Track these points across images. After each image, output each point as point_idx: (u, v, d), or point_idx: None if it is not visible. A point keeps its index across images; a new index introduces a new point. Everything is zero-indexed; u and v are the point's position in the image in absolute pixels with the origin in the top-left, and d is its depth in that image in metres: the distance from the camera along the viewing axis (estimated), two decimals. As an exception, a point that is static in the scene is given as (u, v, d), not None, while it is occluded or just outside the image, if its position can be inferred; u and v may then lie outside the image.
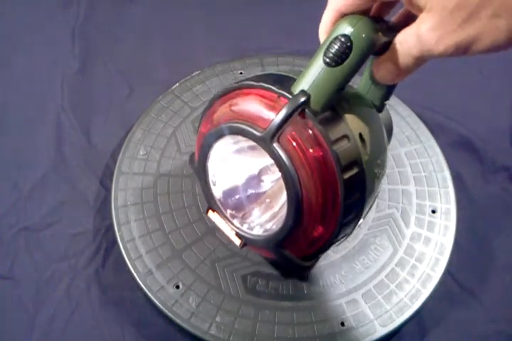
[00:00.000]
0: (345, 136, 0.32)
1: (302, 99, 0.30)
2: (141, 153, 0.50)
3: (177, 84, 0.55)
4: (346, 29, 0.29)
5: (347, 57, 0.30)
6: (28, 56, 0.61)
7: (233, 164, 0.40)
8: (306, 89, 0.31)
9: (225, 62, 0.57)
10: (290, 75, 0.34)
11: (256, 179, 0.41)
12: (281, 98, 0.32)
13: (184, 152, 0.50)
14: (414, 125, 0.53)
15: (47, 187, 0.52)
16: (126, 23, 0.65)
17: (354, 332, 0.41)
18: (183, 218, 0.46)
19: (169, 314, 0.42)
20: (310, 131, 0.31)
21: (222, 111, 0.36)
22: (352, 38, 0.29)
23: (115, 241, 0.46)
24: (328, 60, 0.30)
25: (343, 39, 0.29)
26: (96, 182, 0.52)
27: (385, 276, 0.44)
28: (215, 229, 0.45)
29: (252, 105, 0.34)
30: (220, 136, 0.35)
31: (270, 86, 0.32)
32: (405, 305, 0.43)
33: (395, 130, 0.53)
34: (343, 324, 0.42)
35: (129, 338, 0.44)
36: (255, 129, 0.32)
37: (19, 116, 0.57)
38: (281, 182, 0.33)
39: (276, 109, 0.32)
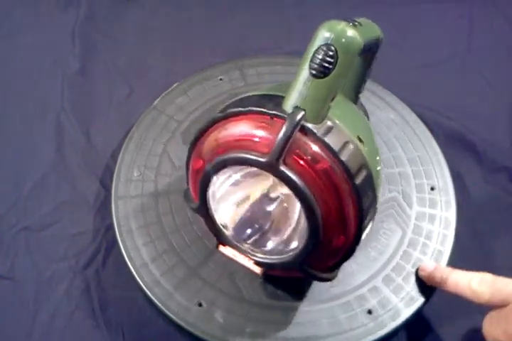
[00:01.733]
0: (347, 143, 0.31)
1: (299, 116, 0.29)
2: (136, 174, 0.49)
3: (158, 99, 0.53)
4: (326, 37, 0.28)
5: (334, 66, 0.29)
6: (28, 56, 0.61)
7: (236, 196, 0.38)
8: (298, 104, 0.30)
9: (202, 71, 0.56)
10: (272, 93, 0.33)
11: (263, 204, 0.39)
12: (275, 119, 0.31)
13: (179, 166, 0.49)
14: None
15: (47, 187, 0.52)
16: (126, 23, 0.65)
17: (381, 319, 0.42)
18: (191, 234, 0.46)
19: (199, 334, 0.41)
20: (313, 146, 0.31)
21: (212, 143, 0.34)
22: (335, 45, 0.28)
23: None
24: (314, 72, 0.29)
25: (325, 48, 0.28)
26: (96, 182, 0.52)
27: (400, 258, 0.45)
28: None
29: (246, 131, 0.32)
30: (218, 169, 0.33)
31: (260, 108, 0.31)
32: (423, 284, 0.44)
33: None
34: (370, 312, 0.42)
35: (129, 338, 0.44)
36: (257, 156, 0.31)
37: (19, 116, 0.57)
38: (291, 200, 0.33)
39: (273, 131, 0.30)
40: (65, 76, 0.60)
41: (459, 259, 0.47)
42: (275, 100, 0.31)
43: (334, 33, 0.28)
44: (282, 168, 0.30)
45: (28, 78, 0.60)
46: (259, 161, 0.31)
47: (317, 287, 0.44)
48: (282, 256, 0.36)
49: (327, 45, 0.28)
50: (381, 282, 0.44)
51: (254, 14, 0.67)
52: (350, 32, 0.28)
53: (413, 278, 0.44)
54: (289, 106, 0.30)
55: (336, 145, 0.31)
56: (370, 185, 0.33)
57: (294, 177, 0.30)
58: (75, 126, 0.56)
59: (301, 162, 0.31)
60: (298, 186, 0.30)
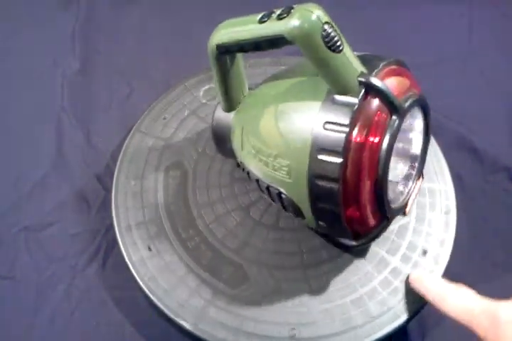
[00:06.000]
0: None
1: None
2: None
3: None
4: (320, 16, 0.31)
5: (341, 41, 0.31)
6: (28, 56, 0.61)
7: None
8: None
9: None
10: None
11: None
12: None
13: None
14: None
15: (47, 187, 0.52)
16: (126, 23, 0.65)
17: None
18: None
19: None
20: None
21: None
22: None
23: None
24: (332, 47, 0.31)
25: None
26: (96, 182, 0.52)
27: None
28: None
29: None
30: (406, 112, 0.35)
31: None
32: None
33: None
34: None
35: (129, 338, 0.45)
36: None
37: (19, 116, 0.57)
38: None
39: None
40: (65, 76, 0.60)
41: (459, 259, 0.47)
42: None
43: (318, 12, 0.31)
44: None
45: (28, 78, 0.60)
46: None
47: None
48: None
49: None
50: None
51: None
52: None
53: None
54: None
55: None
56: None
57: None
58: (75, 126, 0.56)
59: None
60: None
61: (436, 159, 0.51)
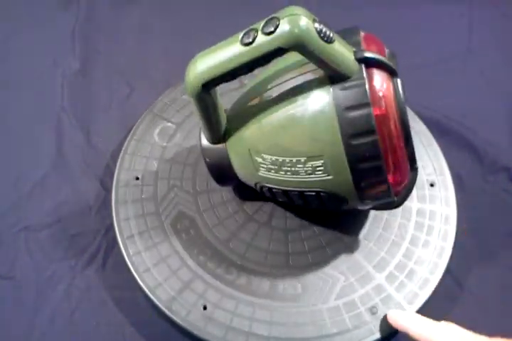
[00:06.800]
0: None
1: None
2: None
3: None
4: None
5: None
6: (28, 56, 0.61)
7: None
8: None
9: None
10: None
11: None
12: None
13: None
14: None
15: (47, 187, 0.52)
16: (126, 23, 0.65)
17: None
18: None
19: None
20: None
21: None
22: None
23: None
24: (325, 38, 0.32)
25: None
26: (96, 182, 0.52)
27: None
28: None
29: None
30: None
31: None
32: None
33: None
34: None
35: (129, 338, 0.45)
36: None
37: (19, 116, 0.57)
38: None
39: None
40: (65, 76, 0.60)
41: (460, 260, 0.47)
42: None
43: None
44: None
45: (28, 78, 0.60)
46: None
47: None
48: None
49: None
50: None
51: (253, 14, 0.67)
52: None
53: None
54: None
55: None
56: None
57: None
58: (75, 126, 0.56)
59: None
60: None
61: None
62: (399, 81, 0.36)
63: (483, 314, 0.47)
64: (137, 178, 0.49)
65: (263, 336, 0.41)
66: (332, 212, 0.47)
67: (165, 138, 0.51)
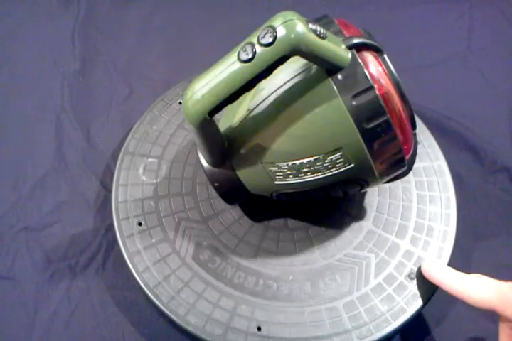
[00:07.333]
0: None
1: None
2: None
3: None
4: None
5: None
6: (28, 56, 0.61)
7: None
8: None
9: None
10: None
11: None
12: None
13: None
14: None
15: (47, 187, 0.52)
16: (126, 23, 0.65)
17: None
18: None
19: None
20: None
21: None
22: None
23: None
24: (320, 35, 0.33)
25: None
26: (96, 182, 0.52)
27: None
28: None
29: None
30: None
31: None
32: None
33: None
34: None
35: (129, 338, 0.45)
36: None
37: (19, 116, 0.57)
38: None
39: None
40: (65, 76, 0.60)
41: (460, 260, 0.47)
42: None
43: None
44: None
45: (28, 78, 0.60)
46: None
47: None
48: None
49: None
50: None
51: (254, 14, 0.67)
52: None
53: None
54: None
55: None
56: None
57: None
58: (75, 126, 0.56)
59: None
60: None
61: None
62: (385, 56, 0.37)
63: (483, 314, 0.47)
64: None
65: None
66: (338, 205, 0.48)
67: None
